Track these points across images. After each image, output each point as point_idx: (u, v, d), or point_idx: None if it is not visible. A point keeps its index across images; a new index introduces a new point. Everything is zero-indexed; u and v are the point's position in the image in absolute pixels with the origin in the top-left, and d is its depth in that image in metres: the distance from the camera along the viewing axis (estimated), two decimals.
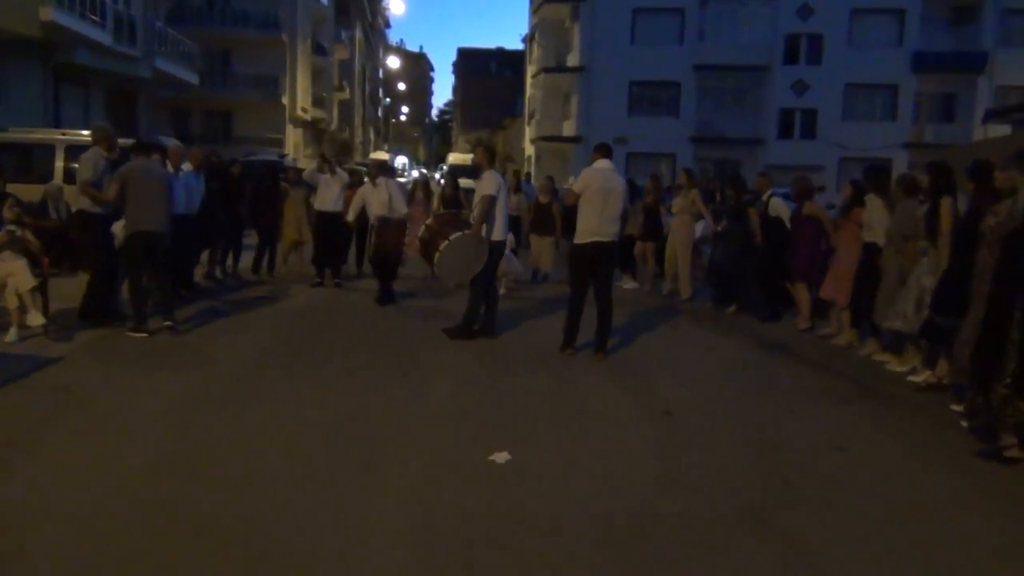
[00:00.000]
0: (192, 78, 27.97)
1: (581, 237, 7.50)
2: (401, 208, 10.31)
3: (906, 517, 4.26)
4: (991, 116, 23.39)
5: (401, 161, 71.47)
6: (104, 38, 19.91)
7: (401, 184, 13.71)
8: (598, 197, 7.40)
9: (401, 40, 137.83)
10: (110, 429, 5.16)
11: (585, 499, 4.31)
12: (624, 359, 7.77)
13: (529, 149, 46.59)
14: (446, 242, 7.71)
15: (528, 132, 47.41)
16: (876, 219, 8.01)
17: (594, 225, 7.41)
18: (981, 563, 3.77)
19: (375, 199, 10.23)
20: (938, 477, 4.93)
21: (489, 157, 8.35)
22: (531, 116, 46.66)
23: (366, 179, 10.81)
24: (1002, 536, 4.08)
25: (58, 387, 5.95)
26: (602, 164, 7.61)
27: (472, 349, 7.78)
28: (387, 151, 72.22)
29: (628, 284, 12.71)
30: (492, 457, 4.85)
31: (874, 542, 3.94)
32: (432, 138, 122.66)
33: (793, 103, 37.70)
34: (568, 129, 39.70)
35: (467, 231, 7.85)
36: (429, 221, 8.26)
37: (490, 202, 7.93)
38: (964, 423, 5.75)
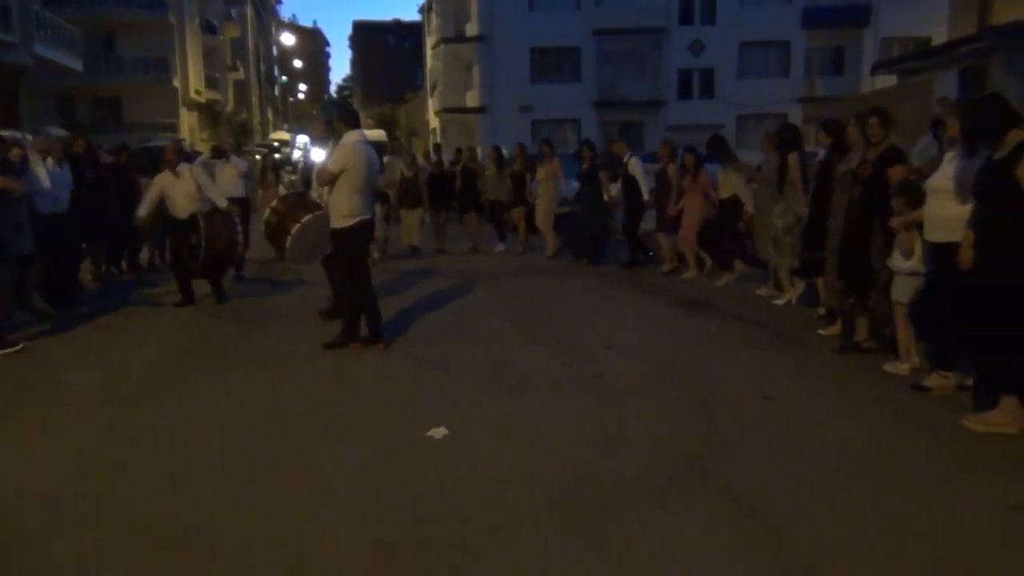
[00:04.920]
0: (75, 64, 26.65)
1: (350, 218, 6.73)
2: (218, 198, 8.76)
3: (834, 457, 4.43)
4: (878, 68, 24.29)
5: (302, 140, 69.53)
6: None
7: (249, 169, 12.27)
8: (363, 173, 6.74)
9: (293, 15, 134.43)
10: (26, 435, 4.93)
11: (528, 466, 4.34)
12: (547, 325, 7.85)
13: (434, 121, 46.19)
14: (297, 225, 7.23)
15: (431, 104, 46.97)
16: (723, 180, 9.86)
17: (360, 204, 6.80)
18: (908, 492, 3.95)
19: (178, 191, 8.66)
20: (856, 413, 5.14)
21: (331, 131, 7.97)
22: (433, 88, 46.23)
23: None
24: (922, 463, 4.29)
25: None
26: (356, 136, 6.85)
27: (385, 327, 7.65)
28: (287, 130, 70.40)
29: (500, 248, 13.39)
30: (430, 433, 4.83)
31: (809, 485, 4.07)
32: (333, 115, 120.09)
33: (691, 63, 38.34)
34: (472, 100, 39.47)
35: (317, 212, 7.27)
36: (275, 204, 7.62)
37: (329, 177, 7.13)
38: (822, 332, 7.14)
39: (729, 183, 9.77)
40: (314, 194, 7.59)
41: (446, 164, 14.56)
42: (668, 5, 37.64)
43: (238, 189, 10.85)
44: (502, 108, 37.40)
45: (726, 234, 9.99)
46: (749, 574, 3.26)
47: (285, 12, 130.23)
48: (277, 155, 31.18)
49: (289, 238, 7.17)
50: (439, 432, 4.85)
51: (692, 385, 5.79)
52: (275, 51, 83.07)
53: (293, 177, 13.89)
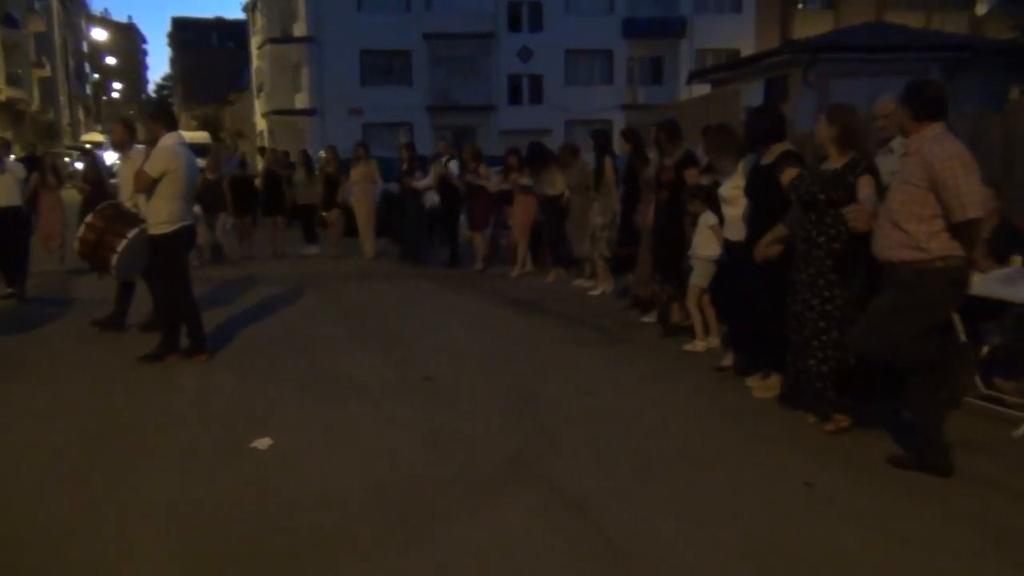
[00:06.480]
0: None
1: (169, 225, 6.45)
2: None
3: (650, 444, 4.69)
4: (693, 77, 25.73)
5: None
6: None
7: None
8: (183, 177, 6.45)
9: (105, 10, 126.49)
10: None
11: (354, 472, 4.33)
12: (377, 329, 7.83)
13: (261, 124, 44.76)
14: (125, 241, 6.75)
15: (258, 106, 45.51)
16: (547, 181, 10.45)
17: (180, 210, 6.49)
18: (717, 473, 4.24)
19: None
20: (670, 401, 5.48)
21: (131, 133, 7.61)
22: (260, 89, 44.81)
23: None
24: (729, 445, 4.61)
25: None
26: (174, 139, 6.55)
27: (208, 337, 7.28)
28: (100, 131, 66.38)
29: (311, 251, 13.47)
30: (254, 444, 4.72)
31: (627, 473, 4.30)
32: (146, 116, 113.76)
33: (520, 69, 39.13)
34: (300, 102, 38.57)
35: (142, 225, 6.77)
36: (91, 219, 6.92)
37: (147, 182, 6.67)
38: (644, 319, 7.84)
39: (555, 181, 10.29)
40: (127, 202, 7.14)
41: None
42: (496, 11, 38.25)
43: (15, 197, 9.55)
44: (332, 111, 36.80)
45: (558, 232, 10.42)
46: (569, 563, 3.40)
47: (96, 6, 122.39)
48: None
49: (116, 256, 6.73)
50: (264, 443, 4.75)
51: (518, 384, 5.95)
52: (85, 47, 77.96)
53: (73, 181, 12.53)
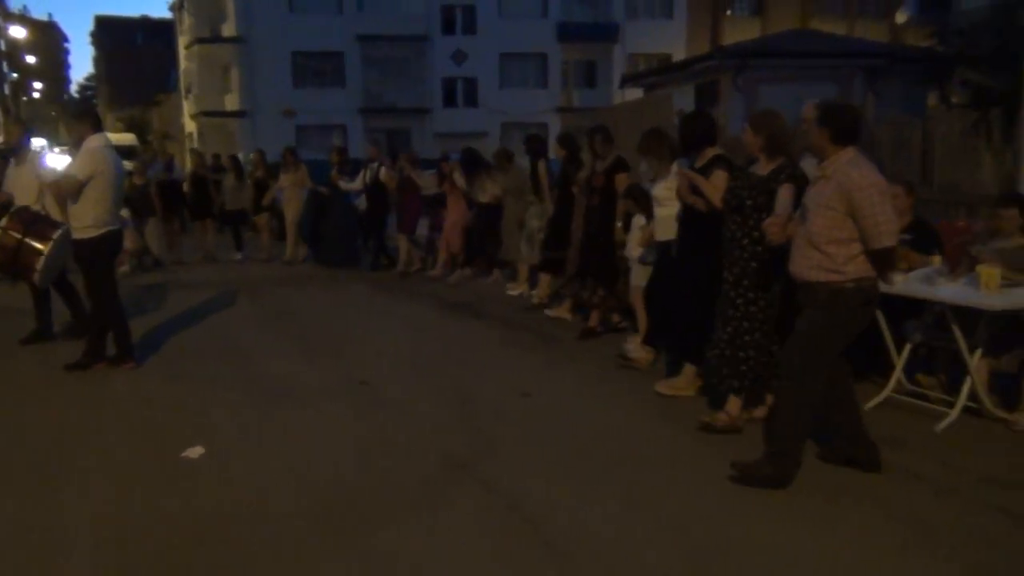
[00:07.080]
0: None
1: (94, 229, 6.22)
2: None
3: (585, 445, 4.72)
4: (626, 82, 26.02)
5: (39, 143, 63.35)
6: None
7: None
8: (111, 181, 6.26)
9: (24, 7, 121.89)
10: None
11: (290, 479, 4.26)
12: (312, 334, 7.74)
13: (190, 125, 43.81)
14: (51, 243, 6.44)
15: (187, 107, 44.52)
16: (479, 187, 10.40)
17: (106, 214, 6.28)
18: (648, 471, 4.29)
19: None
20: (603, 402, 5.55)
21: (27, 135, 7.28)
22: (188, 90, 43.86)
23: None
24: (661, 444, 4.68)
25: None
26: (101, 140, 6.34)
27: (137, 344, 7.00)
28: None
29: (236, 256, 13.23)
30: (185, 454, 4.60)
31: (564, 473, 4.32)
32: (69, 117, 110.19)
33: (454, 72, 39.07)
34: (231, 103, 37.85)
35: (65, 227, 6.48)
36: (6, 223, 6.54)
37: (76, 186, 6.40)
38: (568, 317, 7.99)
39: (486, 187, 10.34)
40: (34, 206, 6.82)
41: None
42: (430, 14, 38.12)
43: None
44: (264, 113, 36.22)
45: (493, 236, 10.45)
46: (507, 566, 3.40)
47: (14, 3, 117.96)
48: None
49: (42, 259, 6.44)
50: (195, 452, 4.63)
51: (455, 386, 5.93)
52: (3, 45, 75.21)
53: None
